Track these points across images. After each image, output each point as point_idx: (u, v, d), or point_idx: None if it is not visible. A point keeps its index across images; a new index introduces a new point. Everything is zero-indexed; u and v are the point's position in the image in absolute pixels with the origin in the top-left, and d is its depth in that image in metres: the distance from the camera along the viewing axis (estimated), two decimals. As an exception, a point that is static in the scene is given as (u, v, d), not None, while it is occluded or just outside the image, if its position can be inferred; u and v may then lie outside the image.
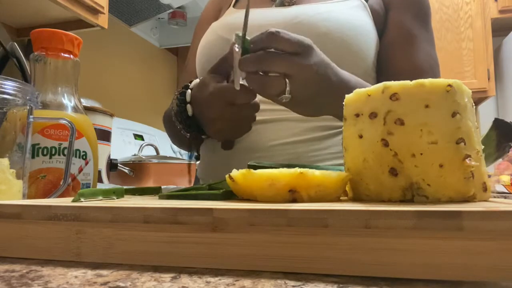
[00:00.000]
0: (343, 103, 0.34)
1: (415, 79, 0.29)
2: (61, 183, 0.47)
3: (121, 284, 0.21)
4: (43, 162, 0.48)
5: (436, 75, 0.71)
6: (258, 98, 0.63)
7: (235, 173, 0.32)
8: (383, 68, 0.70)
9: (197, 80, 0.62)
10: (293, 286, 0.20)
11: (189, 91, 0.60)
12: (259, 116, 0.64)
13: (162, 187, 0.49)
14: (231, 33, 0.70)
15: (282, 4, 0.72)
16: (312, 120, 0.64)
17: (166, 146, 1.85)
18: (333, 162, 0.65)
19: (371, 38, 0.68)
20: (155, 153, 1.52)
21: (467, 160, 0.28)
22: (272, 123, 0.65)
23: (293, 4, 0.71)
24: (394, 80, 0.30)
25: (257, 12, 0.72)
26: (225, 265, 0.23)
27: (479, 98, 2.44)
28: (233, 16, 0.75)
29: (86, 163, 0.52)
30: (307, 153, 0.64)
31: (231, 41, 0.69)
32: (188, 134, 0.61)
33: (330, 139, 0.66)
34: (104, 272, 0.23)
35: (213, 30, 0.74)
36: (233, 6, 0.80)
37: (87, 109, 0.74)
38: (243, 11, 0.74)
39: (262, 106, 0.65)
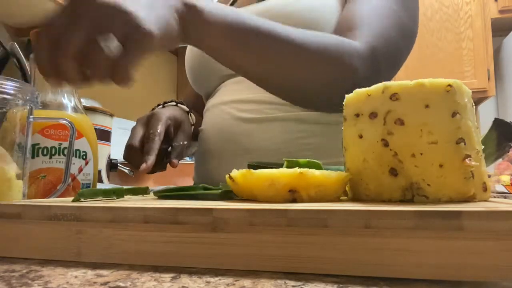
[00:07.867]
0: None
1: (344, 28, 0.26)
2: (61, 183, 0.47)
3: (121, 284, 0.21)
4: (43, 162, 0.48)
5: (372, 24, 0.57)
6: (249, 97, 0.63)
7: (235, 173, 0.32)
8: None
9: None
10: (293, 286, 0.20)
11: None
12: (250, 115, 0.64)
13: (155, 187, 0.48)
14: None
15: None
16: (303, 117, 0.64)
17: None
18: (326, 160, 0.64)
19: (335, 19, 0.64)
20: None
21: (467, 160, 0.28)
22: (262, 123, 0.65)
23: None
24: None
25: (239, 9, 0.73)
26: (225, 265, 0.23)
27: (479, 98, 2.44)
28: None
29: (86, 163, 0.52)
30: (299, 152, 0.64)
31: None
32: None
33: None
34: (104, 272, 0.23)
35: None
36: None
37: (87, 109, 0.74)
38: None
39: (250, 106, 0.66)
